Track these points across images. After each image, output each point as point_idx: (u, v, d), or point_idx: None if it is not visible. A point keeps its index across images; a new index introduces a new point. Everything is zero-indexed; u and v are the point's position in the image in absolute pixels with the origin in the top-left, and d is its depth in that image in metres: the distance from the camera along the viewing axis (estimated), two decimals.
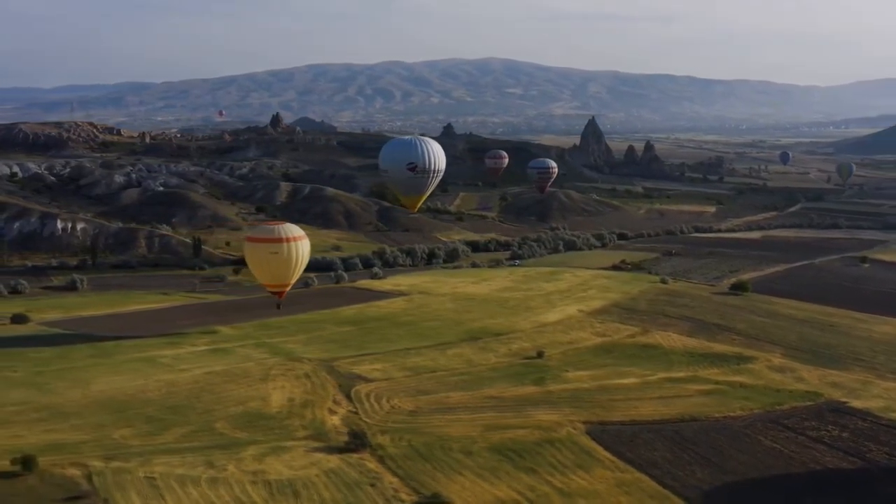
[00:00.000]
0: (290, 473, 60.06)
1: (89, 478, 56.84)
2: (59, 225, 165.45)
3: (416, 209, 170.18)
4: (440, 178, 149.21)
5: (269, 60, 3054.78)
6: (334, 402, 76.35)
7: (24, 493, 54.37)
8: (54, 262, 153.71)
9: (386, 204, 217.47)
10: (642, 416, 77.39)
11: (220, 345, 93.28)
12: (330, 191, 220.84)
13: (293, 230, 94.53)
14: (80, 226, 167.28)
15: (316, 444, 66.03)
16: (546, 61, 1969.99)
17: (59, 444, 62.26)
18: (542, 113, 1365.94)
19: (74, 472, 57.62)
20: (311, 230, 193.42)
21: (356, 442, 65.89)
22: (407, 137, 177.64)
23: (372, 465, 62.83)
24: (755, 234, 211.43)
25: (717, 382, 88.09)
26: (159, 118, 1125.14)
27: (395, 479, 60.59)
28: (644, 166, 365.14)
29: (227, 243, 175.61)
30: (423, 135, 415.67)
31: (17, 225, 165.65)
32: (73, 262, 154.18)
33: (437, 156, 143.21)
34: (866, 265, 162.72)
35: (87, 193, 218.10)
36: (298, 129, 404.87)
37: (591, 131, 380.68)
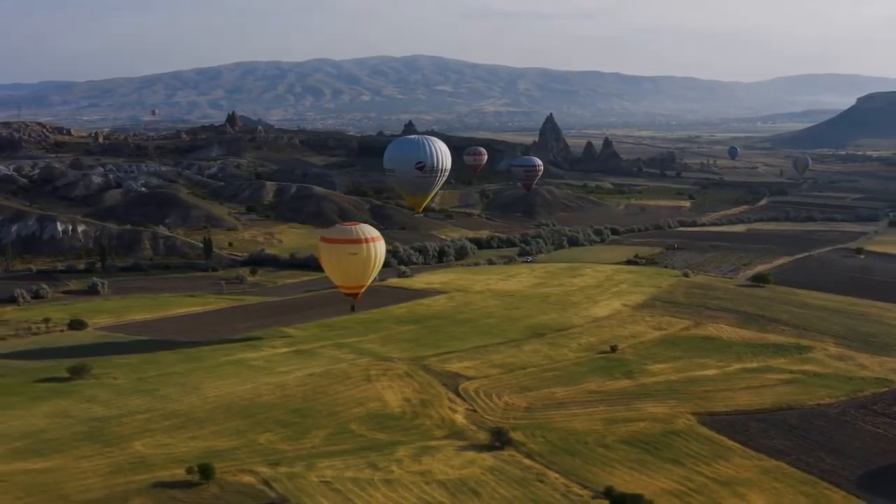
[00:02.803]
0: (455, 473, 60.09)
1: (267, 484, 55.96)
2: (60, 227, 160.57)
3: (422, 209, 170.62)
4: (446, 177, 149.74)
5: (195, 58, 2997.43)
6: (449, 400, 76.39)
7: (214, 503, 53.27)
8: (61, 266, 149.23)
9: (376, 202, 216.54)
10: (741, 405, 79.39)
11: (299, 346, 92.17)
12: (319, 189, 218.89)
13: (369, 231, 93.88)
14: (80, 228, 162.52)
15: (461, 443, 66.13)
16: (474, 58, 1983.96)
17: (213, 451, 61.00)
18: (473, 110, 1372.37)
19: (249, 478, 56.66)
20: (308, 229, 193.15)
21: (500, 439, 66.14)
22: (412, 137, 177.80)
23: (526, 461, 63.29)
24: (739, 228, 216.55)
25: (791, 372, 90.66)
26: (84, 118, 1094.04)
27: (555, 475, 61.15)
28: (602, 162, 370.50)
29: (230, 244, 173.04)
30: (381, 133, 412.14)
31: (14, 228, 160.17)
32: (81, 265, 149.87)
33: (444, 155, 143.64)
34: (863, 256, 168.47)
35: (66, 195, 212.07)
36: (260, 127, 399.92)
37: (550, 128, 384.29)
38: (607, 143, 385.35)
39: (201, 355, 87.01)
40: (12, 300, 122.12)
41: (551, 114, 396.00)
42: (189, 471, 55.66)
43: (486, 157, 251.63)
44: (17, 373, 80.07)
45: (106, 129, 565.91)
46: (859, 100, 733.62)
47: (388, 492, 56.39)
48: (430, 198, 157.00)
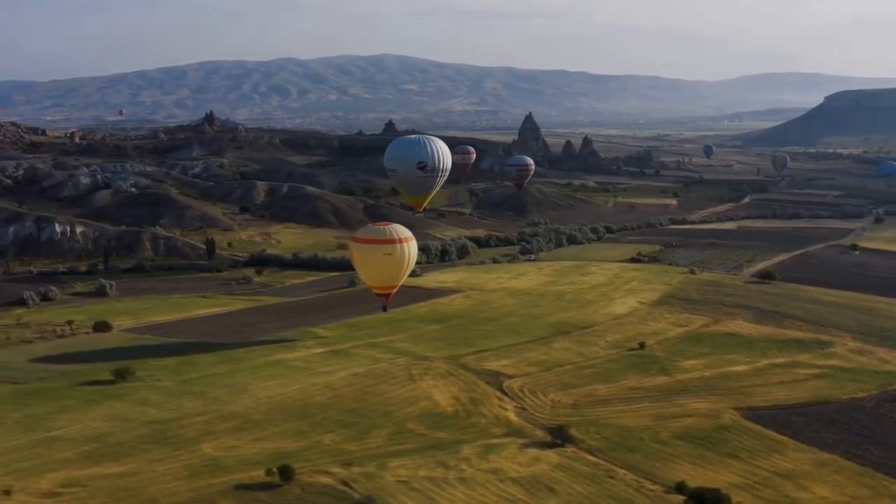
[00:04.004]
0: (526, 471, 60.38)
1: (346, 484, 55.87)
2: (58, 229, 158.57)
3: (422, 209, 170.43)
4: (447, 177, 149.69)
5: (160, 57, 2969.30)
6: (497, 398, 76.72)
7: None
8: (62, 268, 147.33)
9: (370, 201, 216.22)
10: (780, 400, 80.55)
11: (333, 346, 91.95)
12: (312, 189, 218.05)
13: (402, 231, 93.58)
14: (79, 229, 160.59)
15: (522, 441, 66.45)
16: (441, 58, 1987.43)
17: (283, 452, 60.73)
18: (441, 109, 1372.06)
19: (326, 479, 56.52)
20: (304, 229, 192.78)
21: (561, 436, 66.58)
22: (413, 136, 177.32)
23: (590, 457, 63.77)
24: (729, 226, 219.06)
25: (818, 367, 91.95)
26: (48, 118, 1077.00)
27: (622, 471, 61.68)
28: (583, 161, 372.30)
29: (230, 244, 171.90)
30: (360, 132, 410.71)
31: (12, 229, 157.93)
32: (83, 266, 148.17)
33: (445, 154, 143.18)
34: (857, 253, 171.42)
35: (54, 195, 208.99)
36: (241, 126, 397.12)
37: (529, 127, 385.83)
38: (587, 141, 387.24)
39: (238, 357, 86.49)
40: (22, 302, 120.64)
41: (530, 113, 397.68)
42: (268, 472, 55.44)
43: (474, 156, 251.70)
44: (59, 376, 79.12)
45: (76, 129, 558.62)
46: (827, 98, 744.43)
47: (467, 490, 56.57)
48: (430, 198, 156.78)
